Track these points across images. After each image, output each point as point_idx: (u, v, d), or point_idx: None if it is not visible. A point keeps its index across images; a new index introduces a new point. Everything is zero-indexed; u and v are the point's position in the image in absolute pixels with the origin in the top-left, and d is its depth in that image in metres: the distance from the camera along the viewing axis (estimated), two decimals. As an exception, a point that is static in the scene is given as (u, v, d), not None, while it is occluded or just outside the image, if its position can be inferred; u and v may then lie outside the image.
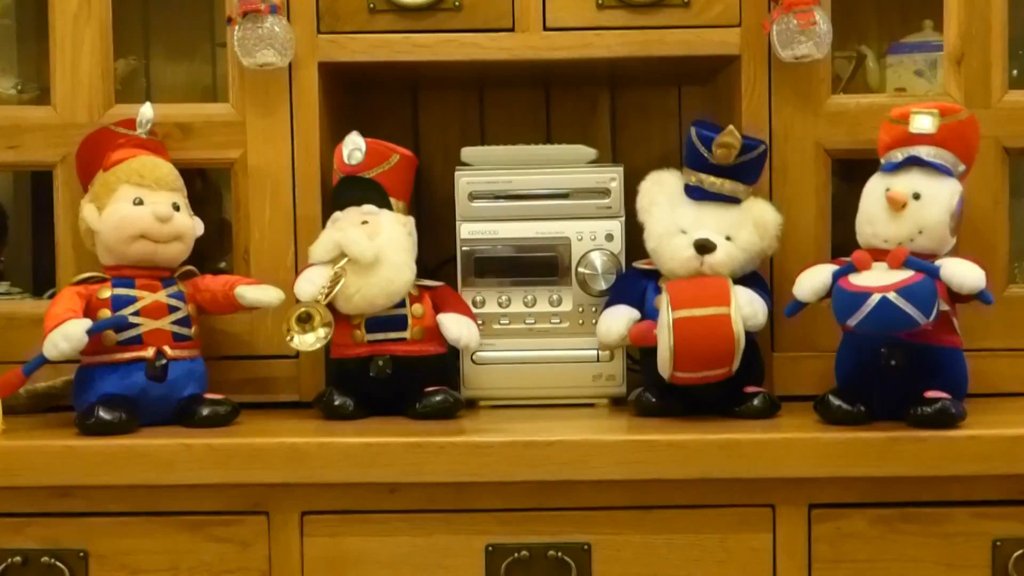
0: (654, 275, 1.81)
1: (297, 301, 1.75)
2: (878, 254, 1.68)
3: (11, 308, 1.91)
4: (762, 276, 1.81)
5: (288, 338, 1.73)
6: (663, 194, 1.80)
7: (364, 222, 1.78)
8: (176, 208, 1.78)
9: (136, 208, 1.75)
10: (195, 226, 1.80)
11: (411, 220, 1.83)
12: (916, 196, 1.68)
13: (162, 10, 2.20)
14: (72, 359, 1.71)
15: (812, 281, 1.70)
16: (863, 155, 1.84)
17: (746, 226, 1.77)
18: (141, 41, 2.18)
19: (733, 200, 1.78)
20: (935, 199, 1.68)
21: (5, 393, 1.70)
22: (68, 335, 1.67)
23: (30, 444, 1.63)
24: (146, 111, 1.80)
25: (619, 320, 1.78)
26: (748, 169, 1.77)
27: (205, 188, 2.07)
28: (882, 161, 1.73)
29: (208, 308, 1.81)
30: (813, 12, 1.77)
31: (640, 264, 1.83)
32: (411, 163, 1.86)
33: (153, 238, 1.76)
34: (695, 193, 1.79)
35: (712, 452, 1.59)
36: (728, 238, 1.76)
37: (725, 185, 1.77)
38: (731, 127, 1.74)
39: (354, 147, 1.82)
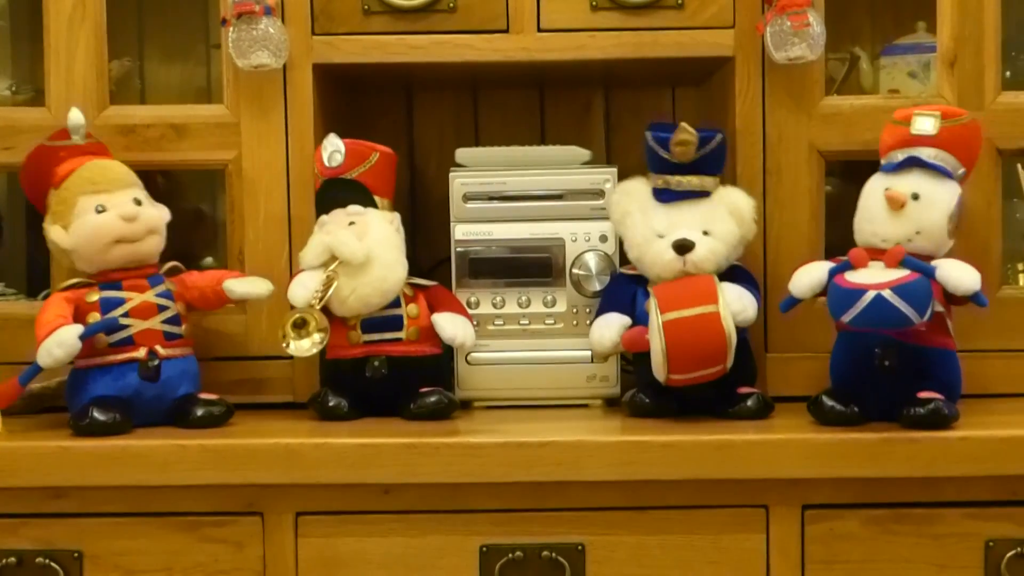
0: (642, 280, 1.80)
1: (291, 307, 1.75)
2: (875, 253, 1.68)
3: (5, 309, 1.91)
4: (749, 271, 1.81)
5: (284, 344, 1.73)
6: (633, 203, 1.80)
7: (351, 223, 1.79)
8: (138, 203, 1.77)
9: (101, 216, 1.74)
10: (162, 214, 1.80)
11: (397, 216, 1.83)
12: (915, 196, 1.68)
13: (156, 11, 2.20)
14: (65, 361, 1.71)
15: (809, 277, 1.70)
16: (857, 156, 1.84)
17: (721, 217, 1.77)
18: (135, 42, 2.18)
19: (703, 194, 1.78)
20: (934, 200, 1.68)
21: (2, 404, 1.70)
22: (62, 342, 1.67)
23: (24, 445, 1.63)
24: (75, 116, 1.78)
25: (611, 328, 1.78)
26: (711, 160, 1.77)
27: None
28: (883, 161, 1.73)
29: (197, 305, 1.81)
30: (807, 14, 1.78)
31: (626, 270, 1.83)
32: (391, 160, 1.86)
33: (128, 239, 1.75)
34: (664, 195, 1.78)
35: (706, 453, 1.59)
36: (706, 233, 1.76)
37: (692, 181, 1.77)
38: (683, 123, 1.74)
39: (333, 149, 1.82)
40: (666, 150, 1.75)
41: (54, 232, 1.75)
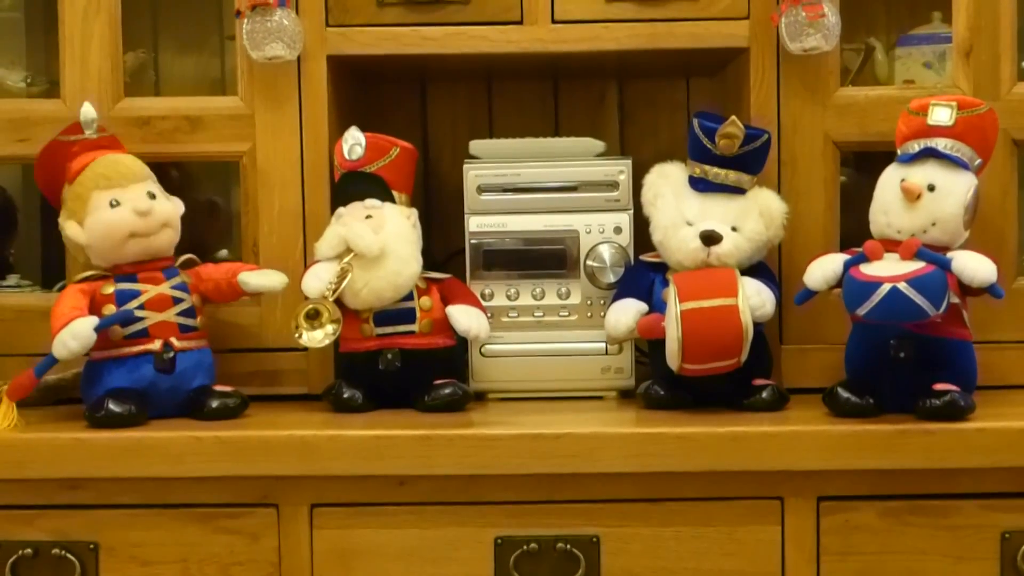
0: (661, 268, 1.81)
1: (305, 298, 1.75)
2: (891, 244, 1.68)
3: (21, 300, 1.92)
4: (769, 267, 1.81)
5: (297, 335, 1.73)
6: (668, 186, 1.80)
7: (368, 216, 1.79)
8: (152, 196, 1.77)
9: (115, 211, 1.74)
10: (176, 207, 1.80)
11: (414, 212, 1.84)
12: (931, 188, 1.68)
13: (171, 3, 2.20)
14: (80, 354, 1.72)
15: (823, 269, 1.70)
16: (872, 147, 1.84)
17: (752, 216, 1.77)
18: (150, 34, 2.18)
19: (738, 190, 1.78)
20: (950, 191, 1.68)
21: (18, 396, 1.70)
22: (77, 334, 1.67)
23: (40, 436, 1.63)
24: (87, 111, 1.78)
25: (627, 313, 1.78)
26: (752, 159, 1.77)
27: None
28: (899, 152, 1.73)
29: (212, 297, 1.81)
30: (821, 4, 1.77)
31: (647, 257, 1.83)
32: (411, 155, 1.86)
33: (143, 233, 1.75)
34: (700, 185, 1.79)
35: (721, 444, 1.59)
36: (734, 228, 1.76)
37: (729, 176, 1.77)
38: (733, 117, 1.74)
39: (354, 142, 1.82)
40: (711, 140, 1.75)
41: (69, 228, 1.76)
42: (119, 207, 1.74)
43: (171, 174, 1.98)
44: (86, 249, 1.76)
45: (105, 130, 1.81)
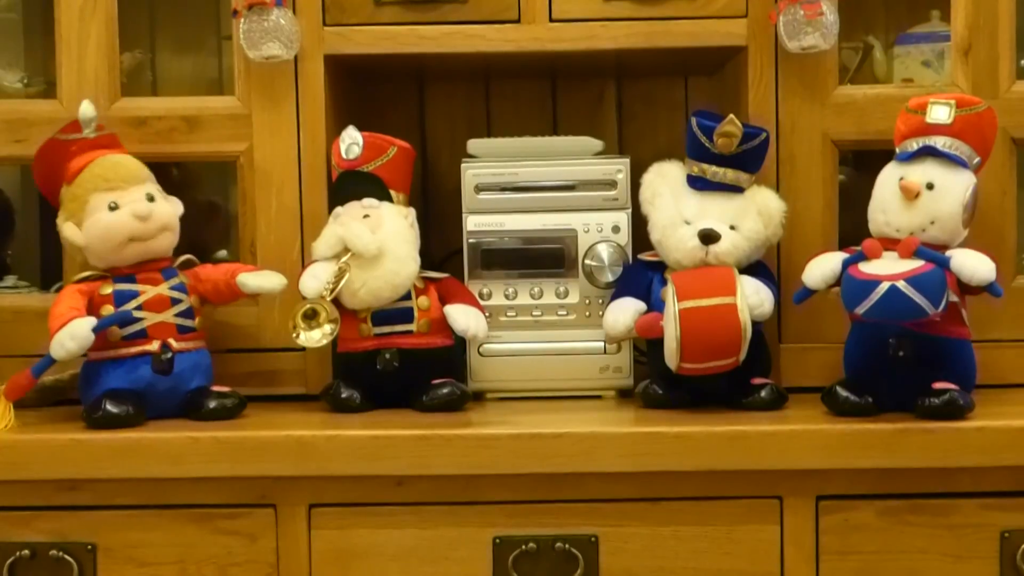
0: (659, 267, 1.81)
1: (303, 298, 1.75)
2: (889, 243, 1.68)
3: (18, 302, 1.91)
4: (768, 266, 1.81)
5: (294, 335, 1.73)
6: (666, 185, 1.80)
7: (366, 216, 1.78)
8: (151, 199, 1.76)
9: (114, 214, 1.74)
10: (175, 209, 1.79)
11: (412, 211, 1.83)
12: (930, 186, 1.68)
13: (168, 3, 2.19)
14: (78, 354, 1.71)
15: (822, 268, 1.70)
16: (871, 146, 1.84)
17: (750, 215, 1.77)
18: (147, 34, 2.18)
19: (736, 189, 1.78)
20: (949, 190, 1.67)
21: (15, 396, 1.70)
22: (75, 334, 1.67)
23: (38, 438, 1.63)
24: (86, 109, 1.77)
25: (625, 312, 1.78)
26: (751, 157, 1.77)
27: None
28: (897, 150, 1.73)
29: (211, 298, 1.80)
30: (820, 3, 1.77)
31: (645, 256, 1.83)
32: (409, 155, 1.86)
33: (141, 237, 1.75)
34: (698, 183, 1.78)
35: (719, 444, 1.59)
36: (732, 227, 1.76)
37: (728, 174, 1.77)
38: (732, 116, 1.74)
39: (351, 141, 1.82)
40: (709, 139, 1.75)
41: (67, 229, 1.75)
42: (118, 210, 1.74)
43: (172, 173, 1.97)
44: (84, 251, 1.76)
45: (104, 129, 1.80)
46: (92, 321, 1.69)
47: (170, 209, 1.78)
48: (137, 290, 1.75)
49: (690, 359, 1.67)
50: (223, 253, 2.10)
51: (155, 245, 1.77)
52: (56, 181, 1.78)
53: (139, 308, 1.74)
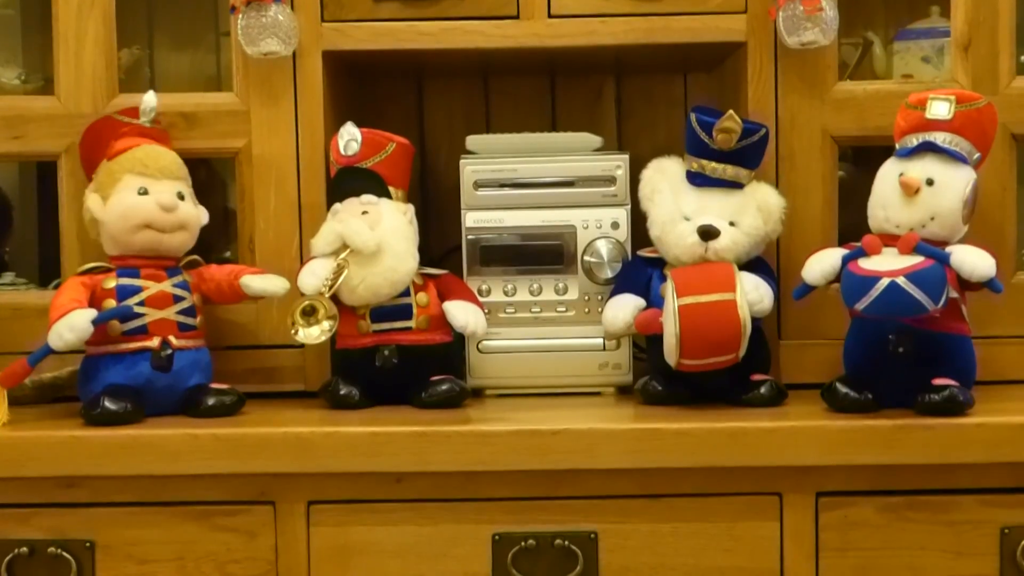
0: (659, 263, 1.80)
1: (301, 294, 1.75)
2: (889, 239, 1.67)
3: (16, 299, 1.91)
4: (767, 262, 1.81)
5: (293, 331, 1.72)
6: (665, 181, 1.80)
7: (364, 212, 1.78)
8: (181, 197, 1.77)
9: (140, 198, 1.75)
10: (200, 215, 1.80)
11: (411, 208, 1.83)
12: (930, 182, 1.67)
13: (165, -1, 2.20)
14: (77, 349, 1.71)
15: (822, 264, 1.70)
16: (870, 142, 1.84)
17: (750, 211, 1.77)
18: (145, 30, 2.18)
19: (736, 185, 1.77)
20: (949, 186, 1.67)
21: (10, 383, 1.70)
22: (73, 325, 1.67)
23: (36, 435, 1.63)
24: (149, 99, 1.80)
25: (624, 308, 1.78)
26: (750, 153, 1.77)
27: (209, 177, 2.06)
28: (897, 146, 1.72)
29: (213, 298, 1.80)
30: (819, -2, 1.77)
31: (644, 252, 1.83)
32: (408, 151, 1.86)
33: (158, 227, 1.75)
34: (697, 179, 1.78)
35: (719, 440, 1.59)
36: (732, 223, 1.76)
37: (727, 170, 1.77)
38: (731, 112, 1.74)
39: (350, 138, 1.81)
40: (708, 135, 1.75)
41: (92, 200, 1.76)
42: (145, 196, 1.74)
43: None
44: (100, 226, 1.76)
45: (160, 123, 1.81)
46: (92, 313, 1.69)
47: (195, 212, 1.79)
48: (140, 285, 1.75)
49: (689, 355, 1.67)
50: (229, 254, 2.10)
51: (169, 240, 1.77)
52: (98, 154, 1.79)
53: (141, 304, 1.74)
